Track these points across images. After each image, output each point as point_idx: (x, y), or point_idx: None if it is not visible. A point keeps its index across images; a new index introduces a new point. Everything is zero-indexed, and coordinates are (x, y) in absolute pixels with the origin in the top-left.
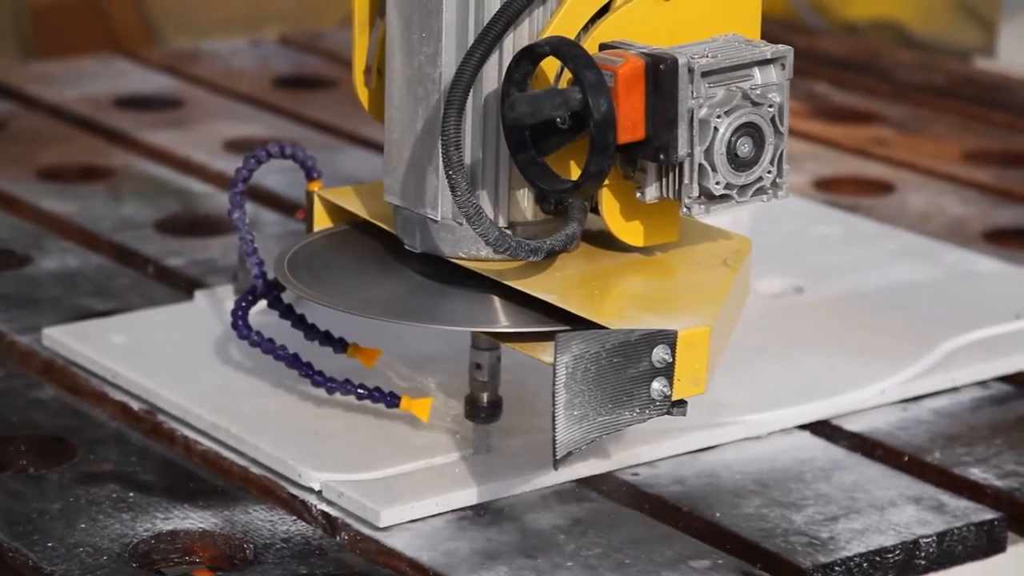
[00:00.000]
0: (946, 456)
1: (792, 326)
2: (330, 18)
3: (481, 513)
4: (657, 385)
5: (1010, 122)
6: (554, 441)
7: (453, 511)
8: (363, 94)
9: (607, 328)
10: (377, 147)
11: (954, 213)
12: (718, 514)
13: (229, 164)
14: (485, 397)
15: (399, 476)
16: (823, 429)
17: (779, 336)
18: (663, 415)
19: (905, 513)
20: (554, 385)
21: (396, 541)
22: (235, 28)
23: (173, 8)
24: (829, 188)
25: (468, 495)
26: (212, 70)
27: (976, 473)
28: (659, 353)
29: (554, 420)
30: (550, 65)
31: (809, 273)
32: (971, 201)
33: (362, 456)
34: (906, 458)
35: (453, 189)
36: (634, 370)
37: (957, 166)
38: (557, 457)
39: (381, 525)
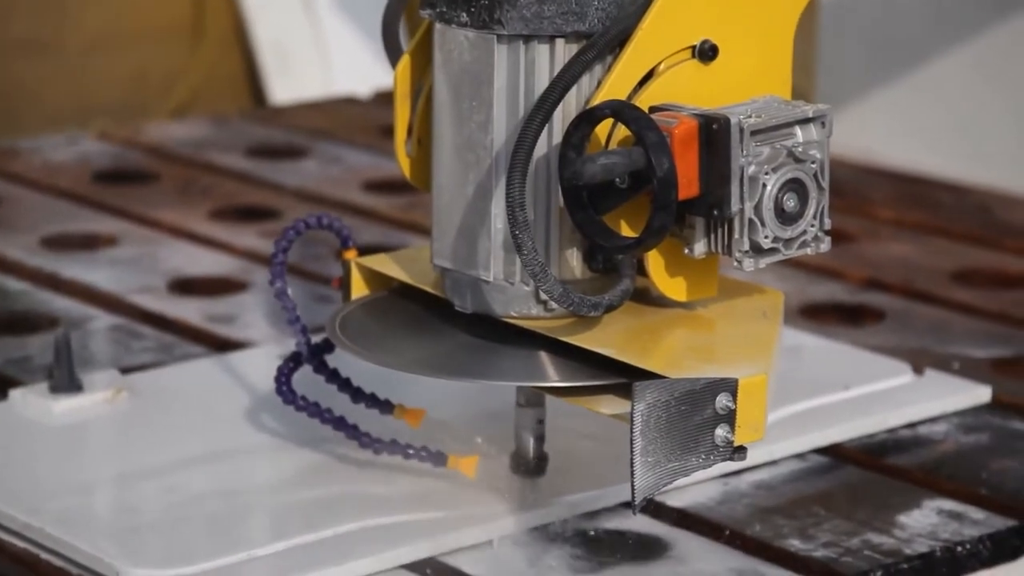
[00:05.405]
0: (766, 528)
1: None
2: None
3: None
4: (721, 432)
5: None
6: (633, 488)
7: None
8: (404, 163)
9: (668, 378)
10: (200, 240)
11: None
12: None
13: (45, 261)
14: (532, 451)
15: (221, 568)
16: (647, 505)
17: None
18: (726, 460)
19: None
20: (632, 433)
21: None
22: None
23: None
24: None
25: None
26: (29, 166)
27: (795, 544)
28: (722, 400)
29: (632, 467)
30: (600, 129)
31: None
32: (787, 278)
33: (182, 549)
34: (727, 531)
35: (520, 248)
36: (699, 417)
37: None
38: (636, 503)
39: None
